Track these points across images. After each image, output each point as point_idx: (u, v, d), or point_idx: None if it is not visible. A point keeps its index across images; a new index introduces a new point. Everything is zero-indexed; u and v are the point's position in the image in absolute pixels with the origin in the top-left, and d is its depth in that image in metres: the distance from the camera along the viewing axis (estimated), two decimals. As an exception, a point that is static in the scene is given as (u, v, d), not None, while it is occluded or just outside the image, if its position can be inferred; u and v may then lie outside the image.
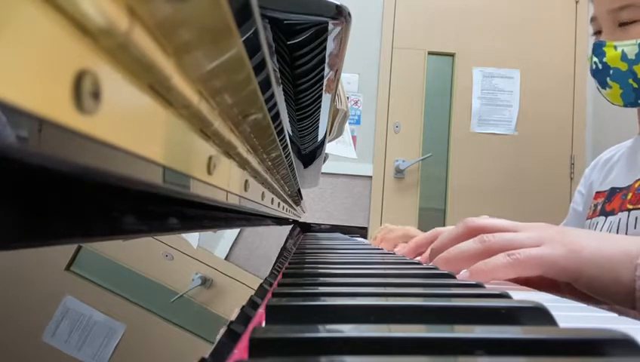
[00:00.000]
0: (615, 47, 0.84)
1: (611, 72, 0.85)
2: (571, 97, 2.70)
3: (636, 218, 0.80)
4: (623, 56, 0.83)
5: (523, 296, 0.33)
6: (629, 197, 0.84)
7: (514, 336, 0.19)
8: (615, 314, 0.28)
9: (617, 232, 0.80)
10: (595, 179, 1.00)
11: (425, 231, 0.75)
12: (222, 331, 0.23)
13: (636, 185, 0.84)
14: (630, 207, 0.82)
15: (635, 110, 0.93)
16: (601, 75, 0.87)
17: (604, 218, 0.87)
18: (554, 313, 0.24)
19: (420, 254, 0.69)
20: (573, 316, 0.27)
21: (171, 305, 0.26)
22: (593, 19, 0.90)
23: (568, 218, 1.05)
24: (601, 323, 0.27)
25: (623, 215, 0.83)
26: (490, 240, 0.45)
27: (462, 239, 0.48)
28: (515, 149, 2.67)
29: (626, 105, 0.88)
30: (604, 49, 0.86)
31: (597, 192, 0.95)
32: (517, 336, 0.19)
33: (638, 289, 0.38)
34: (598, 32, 0.89)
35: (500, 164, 2.67)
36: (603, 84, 0.88)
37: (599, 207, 0.91)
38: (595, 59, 0.88)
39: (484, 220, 0.50)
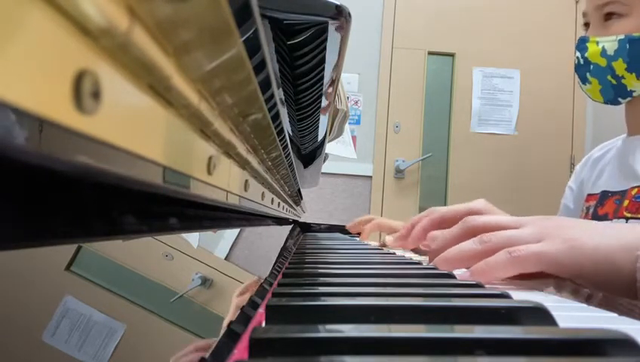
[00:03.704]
0: (597, 43, 0.84)
1: (591, 67, 0.85)
2: (571, 97, 2.70)
3: None
4: (603, 52, 0.83)
5: (523, 296, 0.33)
6: (625, 204, 0.83)
7: (514, 336, 0.19)
8: (615, 314, 0.28)
9: None
10: (585, 178, 0.99)
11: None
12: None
13: (633, 193, 0.83)
14: (628, 215, 0.82)
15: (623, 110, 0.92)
16: (582, 70, 0.87)
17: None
18: (554, 313, 0.24)
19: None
20: (573, 316, 0.27)
21: (171, 305, 0.26)
22: (585, 14, 0.90)
23: (560, 214, 1.04)
24: (601, 323, 0.27)
25: (621, 222, 0.82)
26: (490, 240, 0.45)
27: (462, 239, 0.48)
28: (515, 149, 2.67)
29: (606, 103, 0.88)
30: (587, 44, 0.86)
31: (588, 194, 0.95)
32: (517, 336, 0.19)
33: (639, 280, 0.38)
34: (587, 25, 0.90)
35: (500, 164, 2.67)
36: (583, 80, 0.88)
37: (591, 211, 0.91)
38: (577, 53, 0.88)
39: (484, 218, 0.50)
